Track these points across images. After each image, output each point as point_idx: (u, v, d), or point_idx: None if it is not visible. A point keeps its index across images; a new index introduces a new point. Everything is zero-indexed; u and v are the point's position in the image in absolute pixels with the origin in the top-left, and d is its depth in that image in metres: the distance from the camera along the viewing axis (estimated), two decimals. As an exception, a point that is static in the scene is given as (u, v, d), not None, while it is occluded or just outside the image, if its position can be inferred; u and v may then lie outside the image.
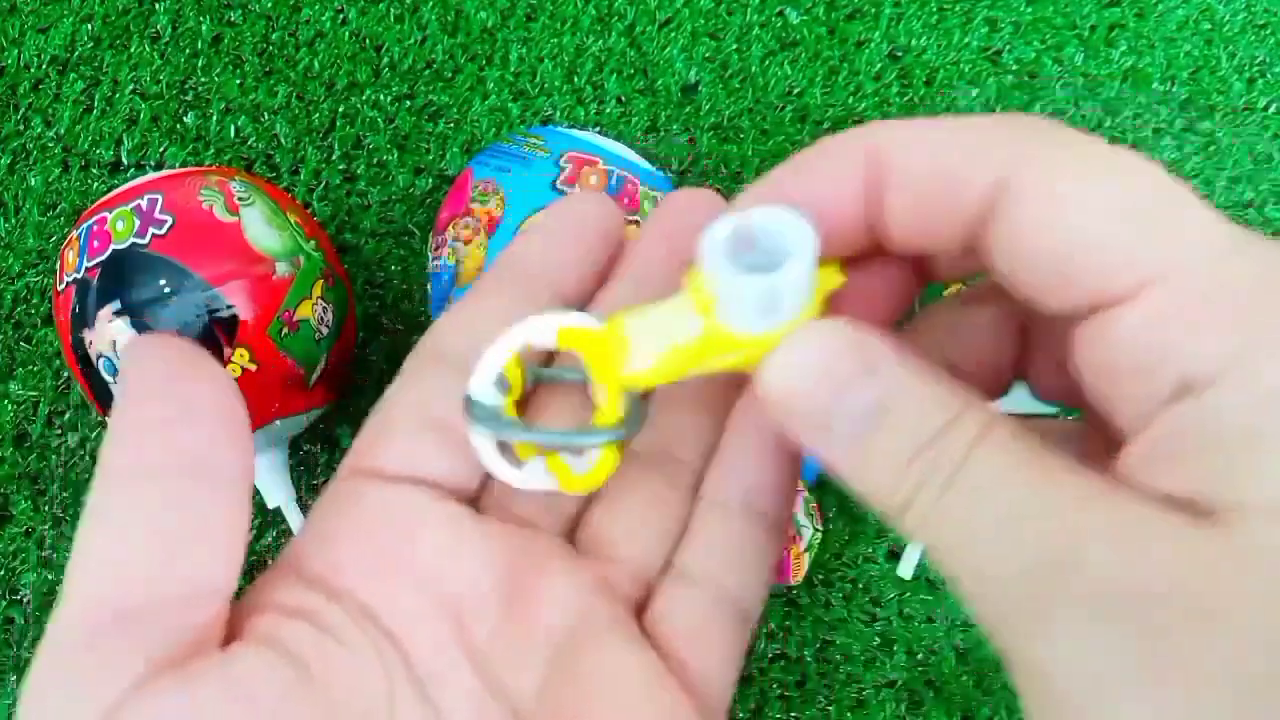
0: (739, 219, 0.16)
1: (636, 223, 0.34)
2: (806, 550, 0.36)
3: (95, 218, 0.34)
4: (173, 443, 0.17)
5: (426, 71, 0.45)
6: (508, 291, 0.21)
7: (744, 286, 0.16)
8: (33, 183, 0.43)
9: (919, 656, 0.38)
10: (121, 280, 0.32)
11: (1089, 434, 0.18)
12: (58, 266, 0.35)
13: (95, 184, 0.43)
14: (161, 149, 0.44)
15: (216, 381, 0.18)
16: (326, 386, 0.36)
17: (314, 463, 0.40)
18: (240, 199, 0.34)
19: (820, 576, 0.38)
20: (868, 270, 0.19)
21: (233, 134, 0.44)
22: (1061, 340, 0.16)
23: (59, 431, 0.41)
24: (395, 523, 0.19)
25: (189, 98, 0.44)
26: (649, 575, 0.20)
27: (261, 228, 0.34)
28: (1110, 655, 0.13)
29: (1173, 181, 0.15)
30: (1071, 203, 0.15)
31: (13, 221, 0.43)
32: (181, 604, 0.16)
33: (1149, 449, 0.14)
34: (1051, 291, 0.15)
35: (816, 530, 0.36)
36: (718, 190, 0.43)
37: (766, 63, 0.45)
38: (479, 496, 0.20)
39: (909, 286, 0.19)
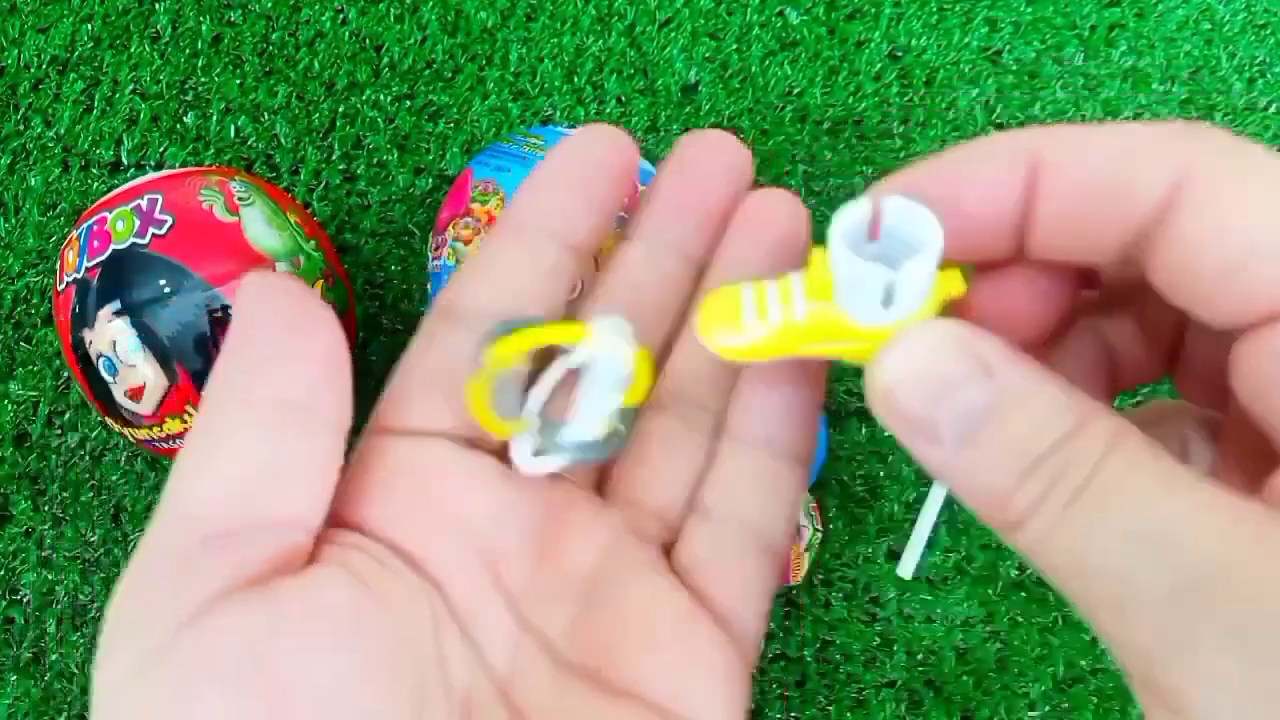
0: (870, 205, 0.16)
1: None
2: (806, 550, 0.36)
3: (95, 218, 0.34)
4: (278, 381, 0.18)
5: (426, 71, 0.45)
6: (515, 245, 0.21)
7: (867, 275, 0.15)
8: (33, 183, 0.43)
9: (919, 656, 0.38)
10: (121, 280, 0.32)
11: (1227, 437, 0.18)
12: (58, 266, 0.35)
13: (95, 184, 0.43)
14: (161, 149, 0.44)
15: (326, 327, 0.18)
16: (326, 386, 0.36)
17: (314, 463, 0.40)
18: (240, 199, 0.34)
19: (820, 576, 0.38)
20: (1011, 280, 0.18)
21: (233, 134, 0.44)
22: (1218, 351, 0.16)
23: (59, 431, 0.41)
24: (423, 474, 0.19)
25: (189, 98, 0.44)
26: (674, 516, 0.20)
27: (261, 228, 0.34)
28: (1255, 686, 0.13)
29: None
30: (1248, 211, 0.14)
31: (13, 221, 0.43)
32: (268, 532, 0.17)
33: None
34: (1220, 302, 0.15)
35: (816, 530, 0.36)
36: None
37: (766, 63, 0.45)
38: (502, 450, 0.20)
39: (1058, 301, 0.18)
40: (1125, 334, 0.19)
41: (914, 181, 0.16)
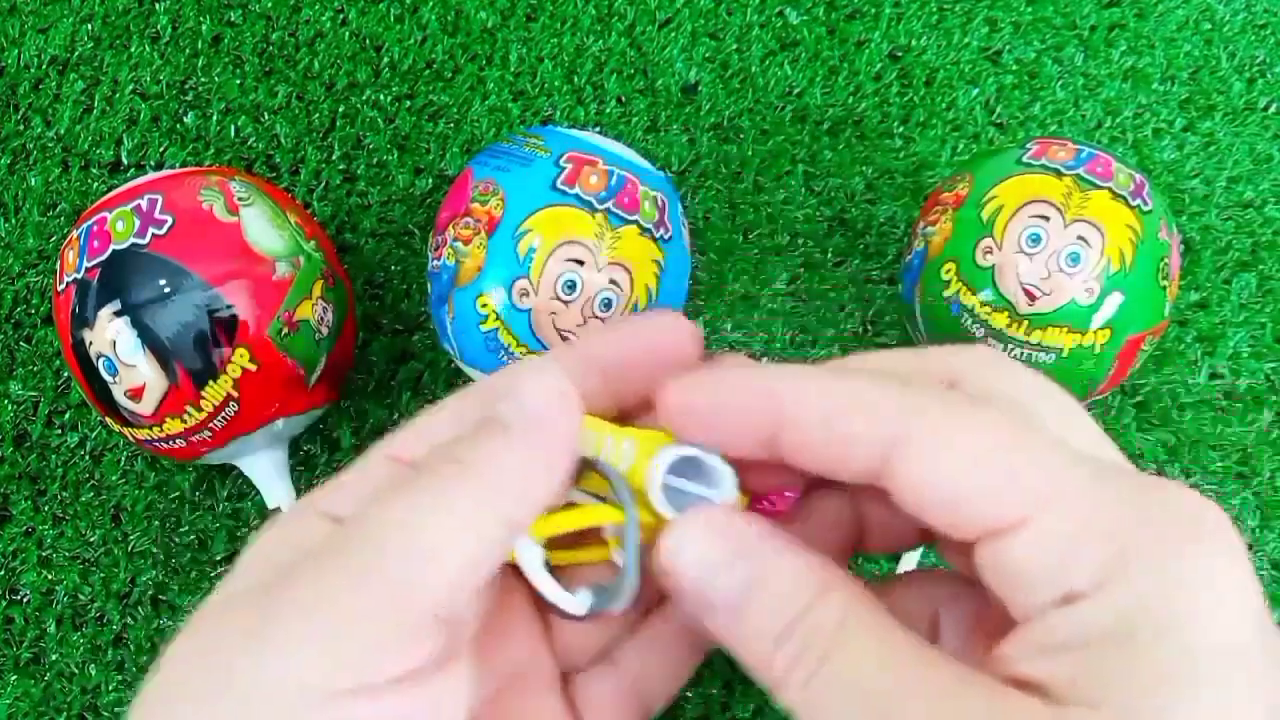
0: (680, 453, 0.21)
1: (637, 224, 0.34)
2: None
3: (95, 218, 0.34)
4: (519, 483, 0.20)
5: (426, 71, 0.45)
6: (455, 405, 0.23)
7: (667, 508, 0.20)
8: (33, 183, 0.43)
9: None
10: (121, 280, 0.32)
11: (983, 600, 0.21)
12: (58, 266, 0.35)
13: (95, 184, 0.43)
14: (161, 149, 0.44)
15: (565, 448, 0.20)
16: (326, 386, 0.36)
17: (314, 463, 0.40)
18: (240, 199, 0.34)
19: (820, 576, 0.38)
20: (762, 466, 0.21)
21: (233, 134, 0.44)
22: (964, 546, 0.19)
23: (59, 431, 0.41)
24: None
25: (189, 98, 0.44)
26: (588, 655, 0.24)
27: (261, 228, 0.34)
28: None
29: (1029, 425, 0.18)
30: (949, 460, 0.18)
31: (13, 221, 0.43)
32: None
33: (1025, 643, 0.17)
34: (948, 527, 0.18)
35: None
36: (717, 190, 0.43)
37: (766, 63, 0.45)
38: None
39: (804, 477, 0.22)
40: (878, 506, 0.22)
41: (680, 413, 0.20)
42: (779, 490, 0.23)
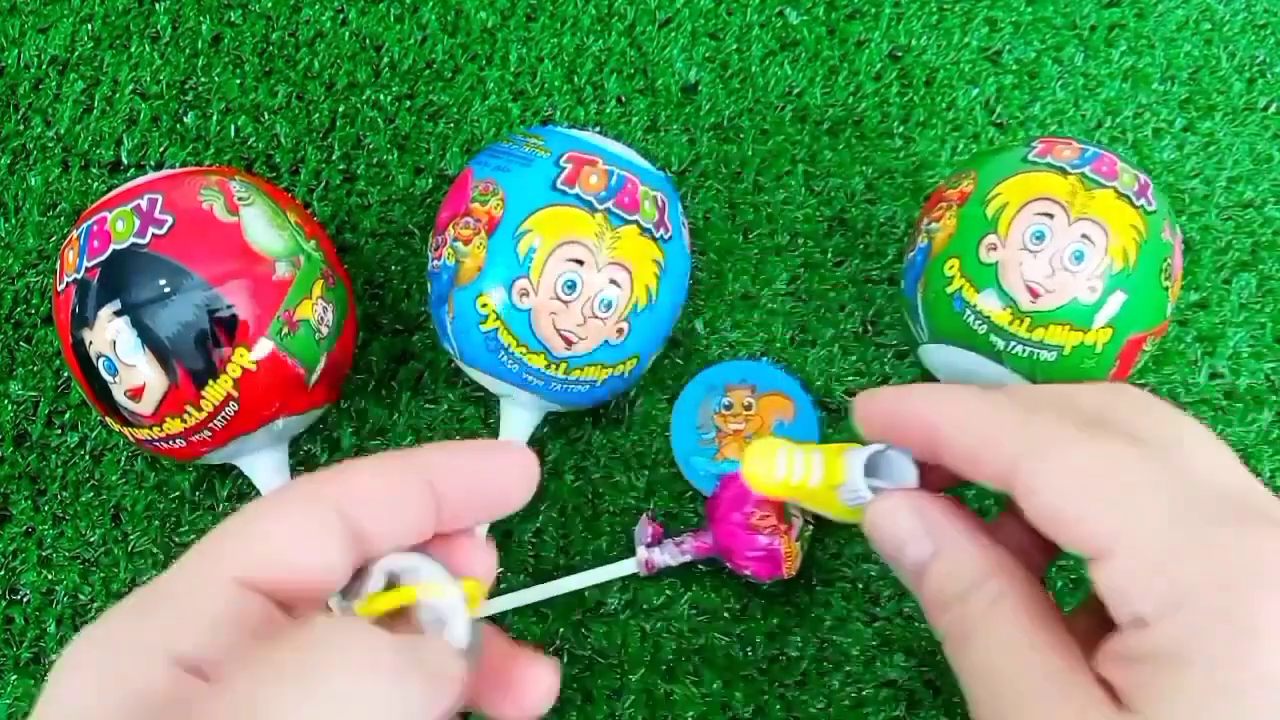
0: (877, 451, 0.26)
1: (637, 224, 0.34)
2: (799, 541, 0.36)
3: (95, 218, 0.34)
4: None
5: (426, 71, 0.45)
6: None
7: (863, 491, 0.26)
8: (33, 183, 0.43)
9: (919, 656, 0.37)
10: (121, 280, 0.32)
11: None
12: (58, 266, 0.35)
13: (95, 184, 0.43)
14: (161, 149, 0.44)
15: None
16: (326, 386, 0.36)
17: (314, 463, 0.40)
18: (240, 199, 0.34)
19: (821, 576, 0.38)
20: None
21: (233, 134, 0.44)
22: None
23: (59, 431, 0.41)
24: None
25: (189, 98, 0.44)
26: None
27: (261, 228, 0.34)
28: None
29: (1145, 459, 0.21)
30: (1054, 490, 0.21)
31: (13, 221, 0.43)
32: None
33: (1111, 649, 0.21)
34: (1057, 541, 0.22)
35: (808, 523, 0.36)
36: (718, 189, 0.43)
37: (766, 63, 0.45)
38: None
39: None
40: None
41: (880, 407, 0.26)
42: None
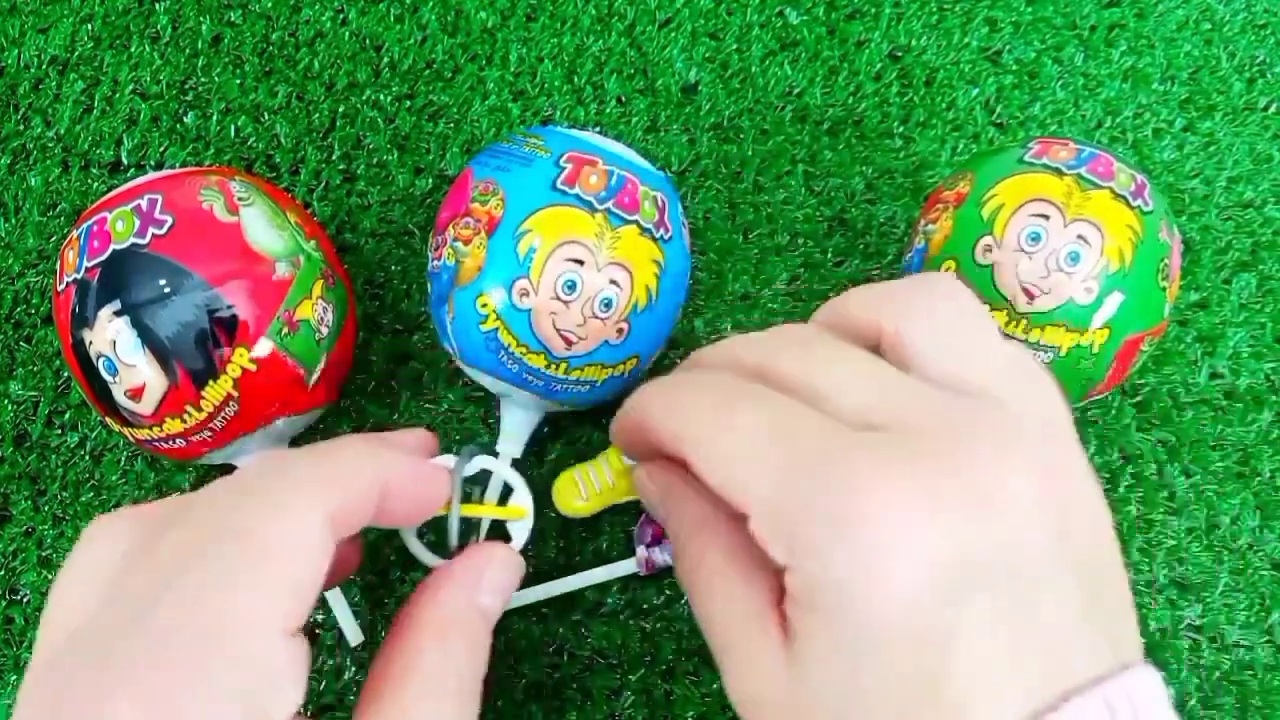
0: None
1: (637, 224, 0.34)
2: None
3: (95, 218, 0.34)
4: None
5: (426, 71, 0.45)
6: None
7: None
8: (33, 183, 0.43)
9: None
10: (121, 280, 0.32)
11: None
12: (58, 266, 0.35)
13: (95, 184, 0.43)
14: (161, 149, 0.44)
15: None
16: (326, 386, 0.36)
17: (314, 463, 0.40)
18: (240, 199, 0.34)
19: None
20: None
21: (233, 134, 0.44)
22: None
23: (59, 431, 0.41)
24: None
25: (189, 98, 0.44)
26: None
27: (261, 228, 0.34)
28: None
29: (759, 425, 0.23)
30: (705, 470, 0.24)
31: (13, 221, 0.43)
32: None
33: (787, 597, 0.22)
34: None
35: None
36: (718, 189, 0.43)
37: (766, 63, 0.45)
38: None
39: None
40: None
41: (626, 427, 0.28)
42: None
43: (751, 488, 0.22)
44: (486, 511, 0.33)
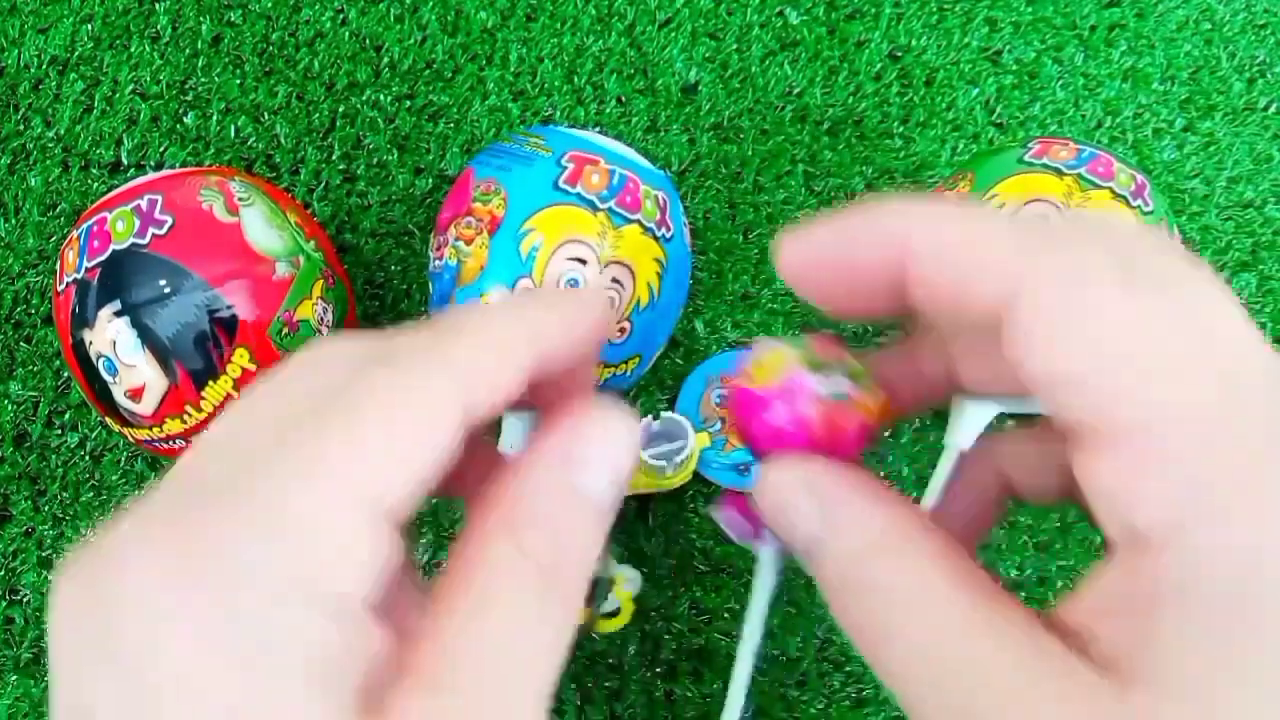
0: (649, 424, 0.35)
1: (639, 223, 0.34)
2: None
3: (95, 218, 0.34)
4: None
5: (426, 71, 0.45)
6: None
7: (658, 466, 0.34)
8: (33, 183, 0.43)
9: (919, 656, 0.38)
10: (121, 280, 0.32)
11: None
12: (58, 267, 0.35)
13: (95, 184, 0.43)
14: (161, 149, 0.44)
15: None
16: (327, 386, 0.36)
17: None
18: (240, 199, 0.34)
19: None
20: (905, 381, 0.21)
21: (233, 134, 0.44)
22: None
23: (59, 431, 0.41)
24: None
25: (189, 98, 0.44)
26: None
27: (261, 228, 0.34)
28: None
29: (1188, 314, 0.15)
30: (1074, 330, 0.15)
31: (13, 221, 0.43)
32: None
33: (1092, 602, 0.15)
34: (1051, 404, 0.16)
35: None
36: (718, 188, 0.43)
37: (766, 63, 0.45)
38: None
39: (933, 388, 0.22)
40: (1025, 460, 0.21)
41: (821, 241, 0.19)
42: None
43: (1162, 399, 0.14)
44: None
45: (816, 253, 0.19)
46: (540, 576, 0.18)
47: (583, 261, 0.33)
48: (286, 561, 0.14)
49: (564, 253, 0.33)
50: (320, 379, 0.17)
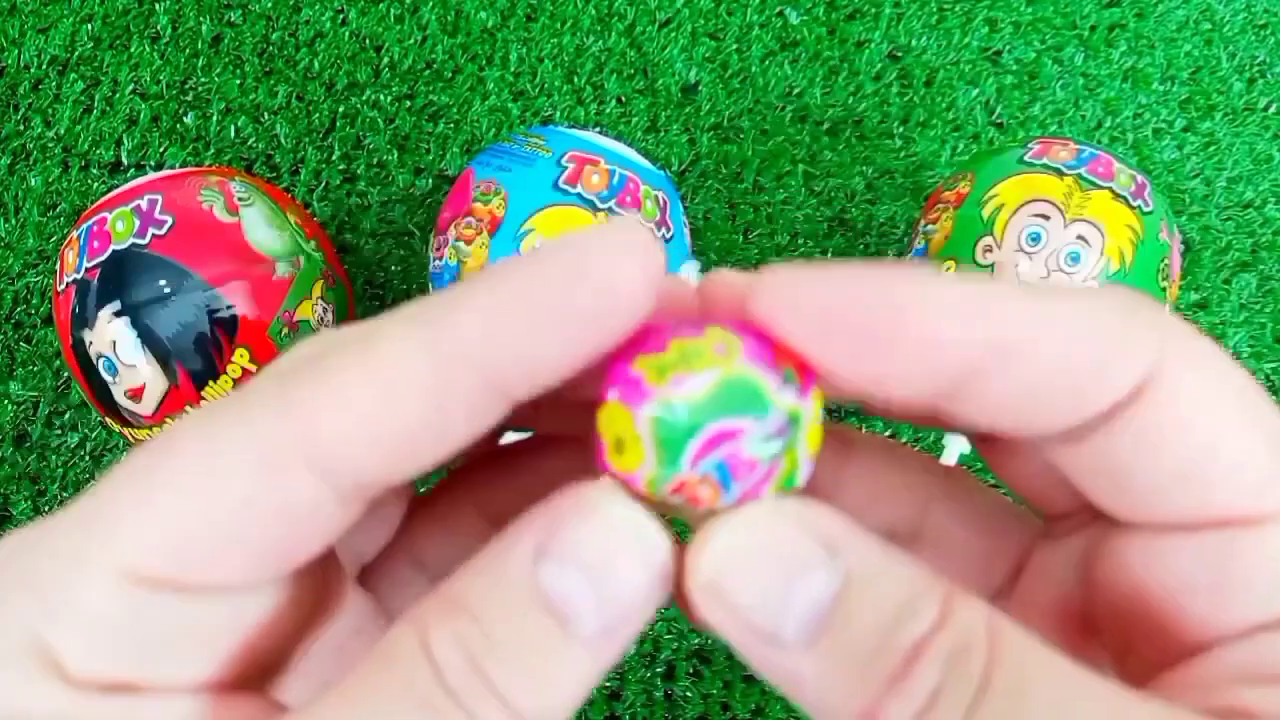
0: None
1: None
2: None
3: (95, 218, 0.34)
4: None
5: (426, 71, 0.45)
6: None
7: None
8: (33, 183, 0.43)
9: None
10: (121, 280, 0.32)
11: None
12: (58, 267, 0.35)
13: (95, 184, 0.43)
14: (161, 149, 0.44)
15: None
16: (327, 386, 0.36)
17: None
18: (240, 199, 0.34)
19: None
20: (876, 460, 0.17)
21: (233, 134, 0.44)
22: (1111, 541, 0.14)
23: (59, 431, 0.41)
24: None
25: (189, 98, 0.44)
26: None
27: (261, 228, 0.34)
28: None
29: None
30: (1220, 410, 0.13)
31: (13, 221, 0.43)
32: None
33: (1224, 667, 0.13)
34: (1166, 499, 0.13)
35: None
36: (719, 189, 0.43)
37: (766, 63, 0.45)
38: None
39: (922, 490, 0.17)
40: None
41: (854, 300, 0.13)
42: None
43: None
44: None
45: (864, 309, 0.13)
46: (426, 700, 0.12)
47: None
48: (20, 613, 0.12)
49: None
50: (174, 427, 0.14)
